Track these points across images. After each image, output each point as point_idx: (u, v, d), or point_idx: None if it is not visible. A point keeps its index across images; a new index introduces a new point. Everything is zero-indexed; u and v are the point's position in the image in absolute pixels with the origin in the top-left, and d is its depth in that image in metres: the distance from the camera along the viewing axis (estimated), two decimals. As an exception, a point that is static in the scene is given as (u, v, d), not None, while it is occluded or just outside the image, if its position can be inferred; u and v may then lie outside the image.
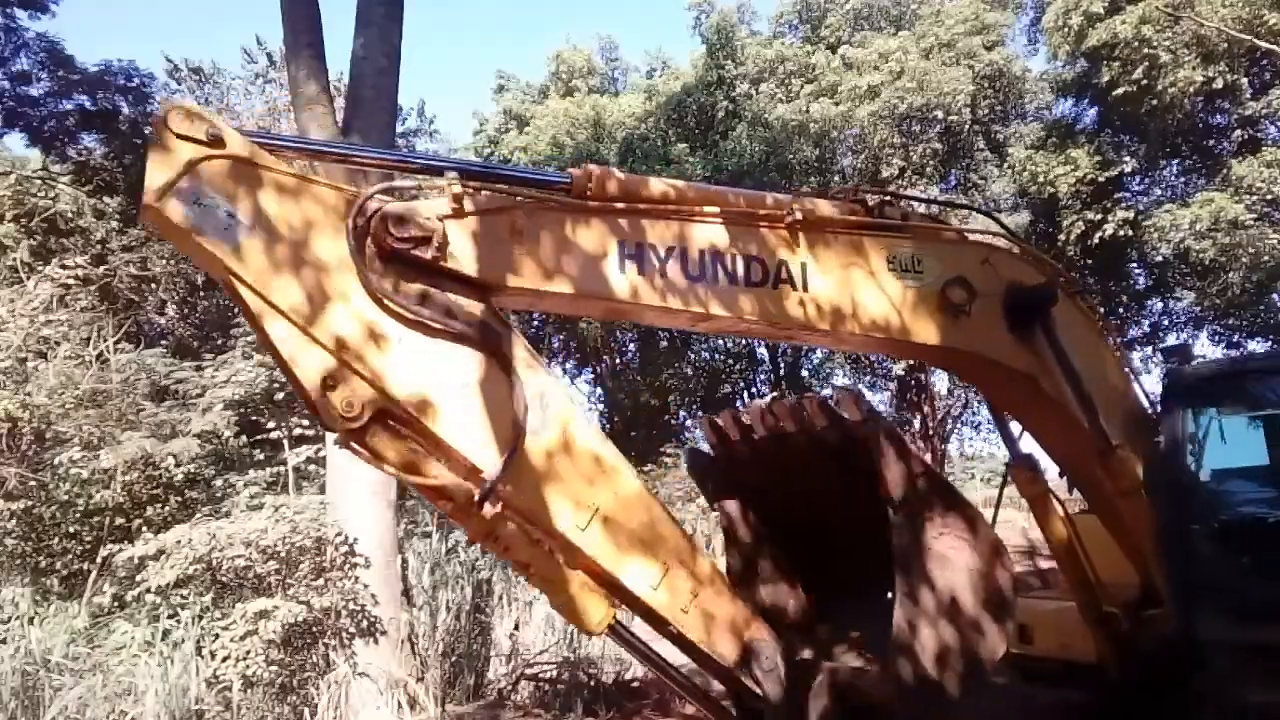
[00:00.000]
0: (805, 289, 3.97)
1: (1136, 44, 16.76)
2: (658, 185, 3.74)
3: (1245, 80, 17.61)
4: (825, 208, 4.23)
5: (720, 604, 3.60)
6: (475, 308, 3.20)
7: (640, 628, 3.81)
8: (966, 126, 19.59)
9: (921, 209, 5.25)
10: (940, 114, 18.80)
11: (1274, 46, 14.95)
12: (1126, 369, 5.27)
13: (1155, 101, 17.35)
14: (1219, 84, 16.85)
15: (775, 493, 4.81)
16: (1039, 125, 20.83)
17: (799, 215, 4.00)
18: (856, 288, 4.11)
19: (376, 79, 9.27)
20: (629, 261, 3.55)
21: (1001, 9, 20.42)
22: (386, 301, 3.04)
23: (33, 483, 9.38)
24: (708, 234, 3.81)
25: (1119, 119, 19.05)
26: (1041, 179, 19.04)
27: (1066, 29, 18.39)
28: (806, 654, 4.37)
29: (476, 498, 3.03)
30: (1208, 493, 5.03)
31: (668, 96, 21.35)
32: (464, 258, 3.21)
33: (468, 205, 3.24)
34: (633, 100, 22.38)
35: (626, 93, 24.08)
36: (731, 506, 4.88)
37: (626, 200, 3.62)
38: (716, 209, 3.85)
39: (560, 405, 3.28)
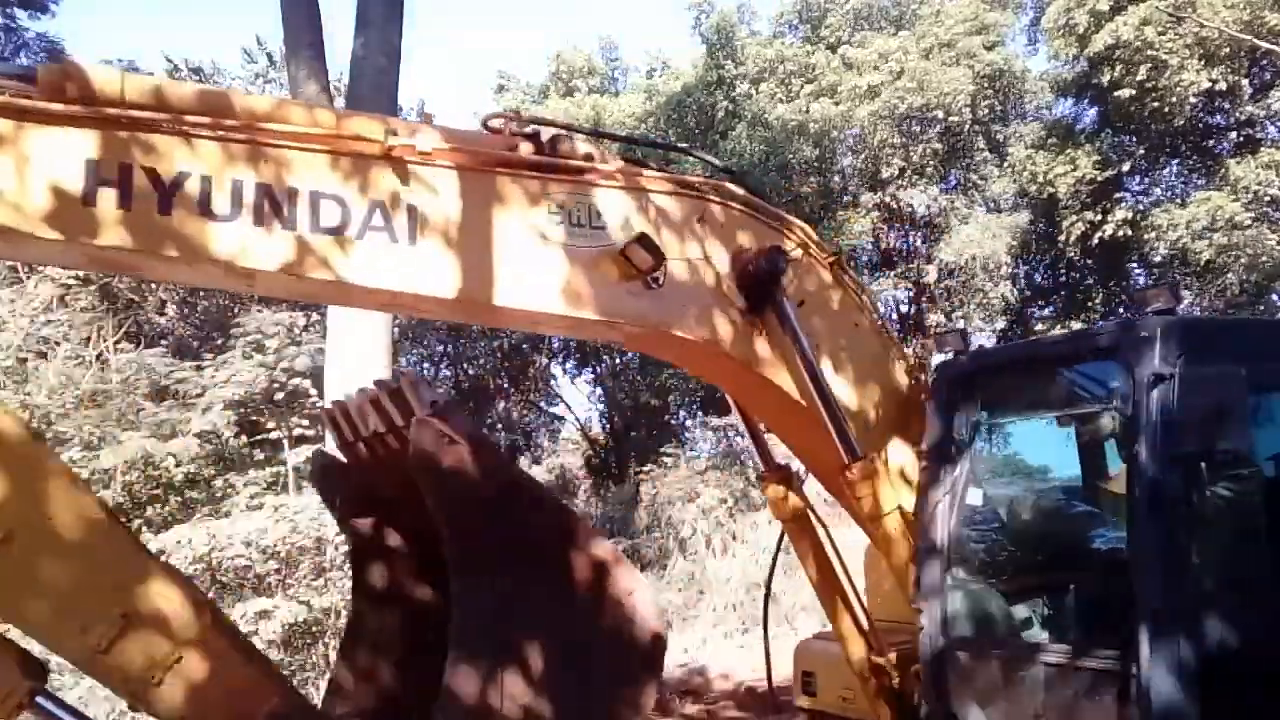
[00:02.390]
0: (413, 242, 2.96)
1: (1139, 45, 16.78)
2: (175, 88, 2.72)
3: (1245, 81, 17.63)
4: (464, 138, 3.23)
5: (217, 671, 2.51)
6: None
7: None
8: (966, 126, 19.57)
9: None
10: (940, 114, 18.79)
11: (1274, 46, 14.97)
12: (901, 362, 4.33)
13: (1157, 103, 17.37)
14: (1220, 85, 16.88)
15: (409, 508, 3.54)
16: (1039, 125, 20.83)
17: (413, 144, 2.95)
18: (497, 244, 3.11)
19: (376, 79, 9.28)
20: (106, 189, 2.52)
21: (1001, 9, 20.41)
22: None
23: (33, 483, 9.36)
24: (249, 159, 2.71)
25: (1119, 119, 19.07)
26: (1041, 179, 19.05)
27: (1069, 29, 18.39)
28: None
29: None
30: (973, 518, 4.05)
31: (668, 96, 21.34)
32: None
33: None
34: (633, 100, 22.36)
35: (626, 93, 24.07)
36: (362, 526, 3.61)
37: (118, 106, 2.56)
38: (263, 125, 2.75)
39: None
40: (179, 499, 9.84)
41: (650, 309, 3.44)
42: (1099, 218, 18.75)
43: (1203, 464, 3.12)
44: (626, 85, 25.04)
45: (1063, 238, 19.48)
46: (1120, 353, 3.37)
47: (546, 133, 3.40)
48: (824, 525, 4.45)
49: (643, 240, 3.30)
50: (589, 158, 3.46)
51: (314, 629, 8.00)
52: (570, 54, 24.33)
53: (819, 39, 21.84)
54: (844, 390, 3.95)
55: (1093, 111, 20.54)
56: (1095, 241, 18.98)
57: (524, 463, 23.20)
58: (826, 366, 3.84)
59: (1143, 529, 3.17)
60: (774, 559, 5.09)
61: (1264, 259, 16.39)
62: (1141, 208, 19.42)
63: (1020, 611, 3.82)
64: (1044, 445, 4.58)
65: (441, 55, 73.87)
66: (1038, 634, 3.68)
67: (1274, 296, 18.44)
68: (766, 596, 5.36)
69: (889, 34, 20.58)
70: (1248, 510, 3.46)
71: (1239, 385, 3.07)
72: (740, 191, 3.89)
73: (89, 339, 11.12)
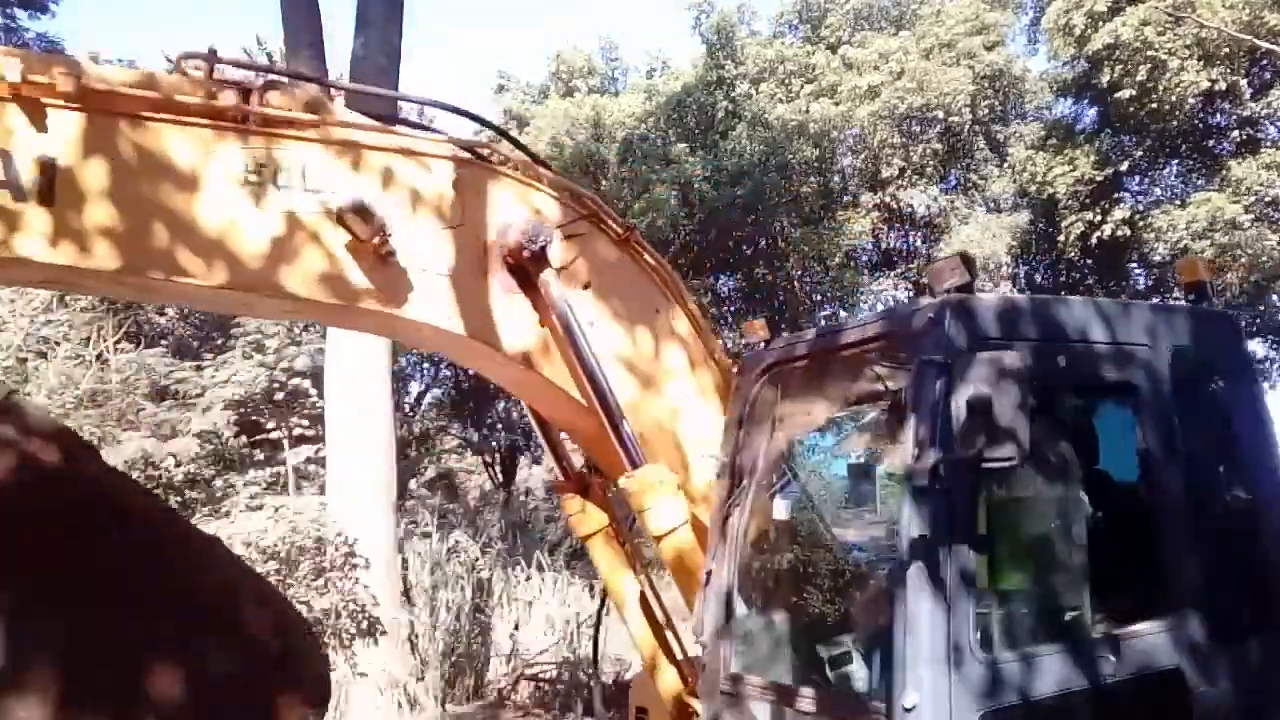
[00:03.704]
0: (46, 201, 2.47)
1: (1138, 45, 16.77)
2: None
3: (1245, 81, 17.63)
4: (140, 81, 2.70)
5: None
6: None
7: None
8: (966, 126, 19.58)
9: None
10: (940, 114, 18.80)
11: (1274, 46, 14.96)
12: (714, 357, 3.70)
13: (1156, 103, 17.36)
14: (1220, 85, 16.87)
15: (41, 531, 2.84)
16: (1039, 125, 20.83)
17: (51, 84, 2.45)
18: (166, 206, 2.63)
19: (376, 79, 9.26)
20: None
21: (1001, 9, 20.42)
22: None
23: (33, 483, 9.38)
24: None
25: (1119, 119, 19.07)
26: (1041, 179, 19.06)
27: (1068, 30, 18.40)
28: None
29: None
30: (768, 536, 3.48)
31: (668, 96, 21.33)
32: None
33: None
34: (633, 100, 22.35)
35: (626, 93, 24.06)
36: None
37: None
38: None
39: None
40: (179, 499, 9.82)
41: (375, 288, 2.91)
42: (1098, 218, 18.75)
43: (980, 471, 2.48)
44: (626, 85, 25.03)
45: (1062, 238, 19.48)
46: (902, 338, 2.87)
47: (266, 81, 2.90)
48: (630, 542, 3.90)
49: (357, 204, 2.78)
50: (314, 108, 2.93)
51: (314, 629, 8.01)
52: (570, 54, 24.32)
53: (819, 39, 21.85)
54: (632, 386, 3.40)
55: (1092, 112, 20.54)
56: (1095, 241, 18.98)
57: (524, 462, 23.17)
58: (611, 358, 3.31)
59: (906, 553, 2.51)
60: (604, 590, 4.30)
61: (1264, 259, 16.38)
62: (1141, 208, 19.42)
63: (811, 647, 3.21)
64: (847, 449, 3.93)
65: (441, 55, 73.86)
66: (829, 676, 3.06)
67: (1274, 297, 18.44)
68: (597, 631, 4.47)
69: (889, 34, 20.59)
70: (1040, 529, 2.95)
71: (1026, 376, 2.49)
72: (514, 155, 3.37)
73: (89, 339, 11.11)
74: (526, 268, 3.15)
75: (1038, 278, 22.64)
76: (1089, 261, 20.80)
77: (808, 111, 19.12)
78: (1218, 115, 19.17)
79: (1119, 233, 18.46)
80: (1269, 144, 17.90)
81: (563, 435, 4.24)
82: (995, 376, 2.41)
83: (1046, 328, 2.85)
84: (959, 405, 2.43)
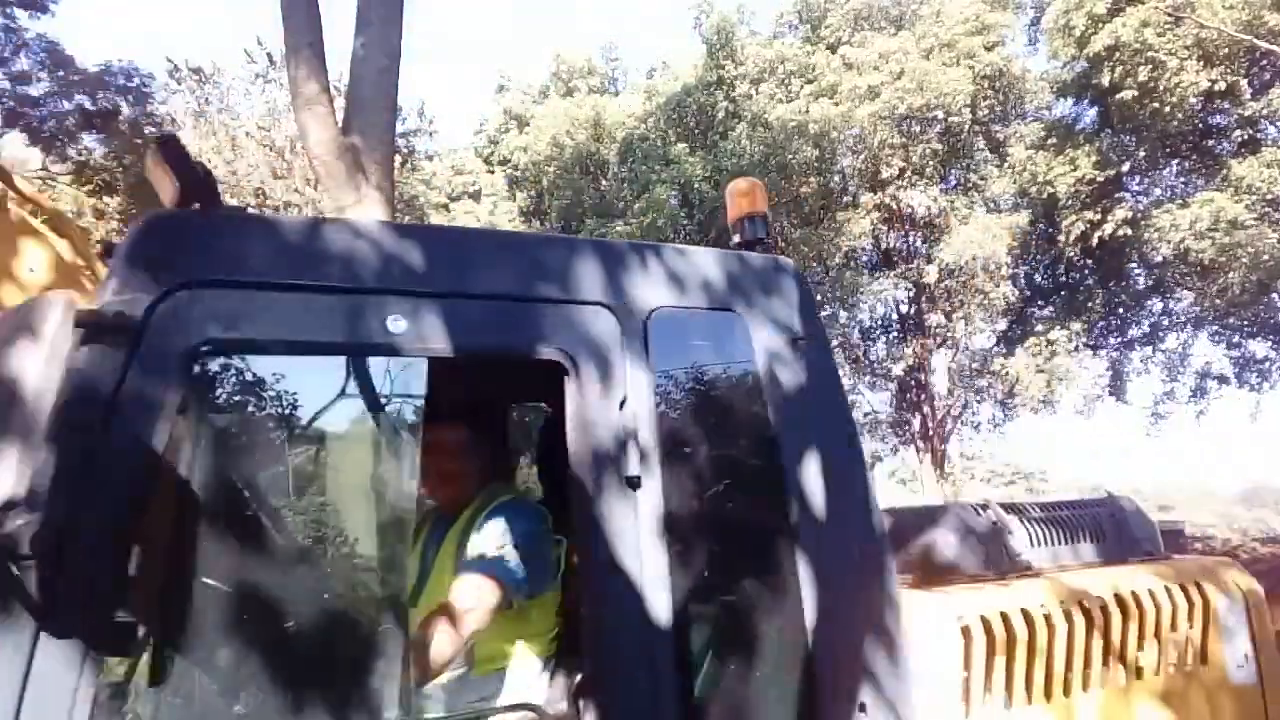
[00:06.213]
0: None
1: (1138, 46, 16.79)
2: None
3: (1245, 81, 17.64)
4: None
5: None
6: None
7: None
8: (966, 127, 19.59)
9: None
10: (940, 114, 18.80)
11: (1274, 46, 14.97)
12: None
13: (1157, 103, 17.37)
14: (1220, 85, 16.89)
15: None
16: (1039, 125, 20.84)
17: None
18: None
19: (376, 79, 9.26)
20: None
21: (1001, 9, 20.43)
22: None
23: (32, 483, 9.38)
24: None
25: (1119, 120, 19.08)
26: (1041, 179, 19.06)
27: (1068, 30, 18.41)
28: None
29: None
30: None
31: (668, 96, 21.35)
32: None
33: None
34: (633, 100, 22.38)
35: (626, 93, 24.08)
36: None
37: None
38: None
39: None
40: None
41: None
42: (1099, 218, 18.76)
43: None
44: (626, 85, 25.06)
45: (1063, 238, 19.49)
46: None
47: None
48: None
49: None
50: None
51: None
52: (570, 54, 24.34)
53: (819, 39, 21.86)
54: None
55: (1092, 112, 20.55)
56: (1095, 241, 18.99)
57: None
58: None
59: None
60: None
61: (1266, 258, 16.39)
62: (1141, 208, 19.42)
63: None
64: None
65: (442, 55, 73.84)
66: None
67: (1275, 296, 18.44)
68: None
69: (889, 34, 20.59)
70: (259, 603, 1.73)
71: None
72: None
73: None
74: None
75: (1038, 278, 22.65)
76: (1089, 262, 20.81)
77: (808, 112, 19.12)
78: (1218, 115, 19.17)
79: (1120, 233, 18.47)
80: (1269, 143, 17.90)
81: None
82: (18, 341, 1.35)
83: (305, 264, 1.66)
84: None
